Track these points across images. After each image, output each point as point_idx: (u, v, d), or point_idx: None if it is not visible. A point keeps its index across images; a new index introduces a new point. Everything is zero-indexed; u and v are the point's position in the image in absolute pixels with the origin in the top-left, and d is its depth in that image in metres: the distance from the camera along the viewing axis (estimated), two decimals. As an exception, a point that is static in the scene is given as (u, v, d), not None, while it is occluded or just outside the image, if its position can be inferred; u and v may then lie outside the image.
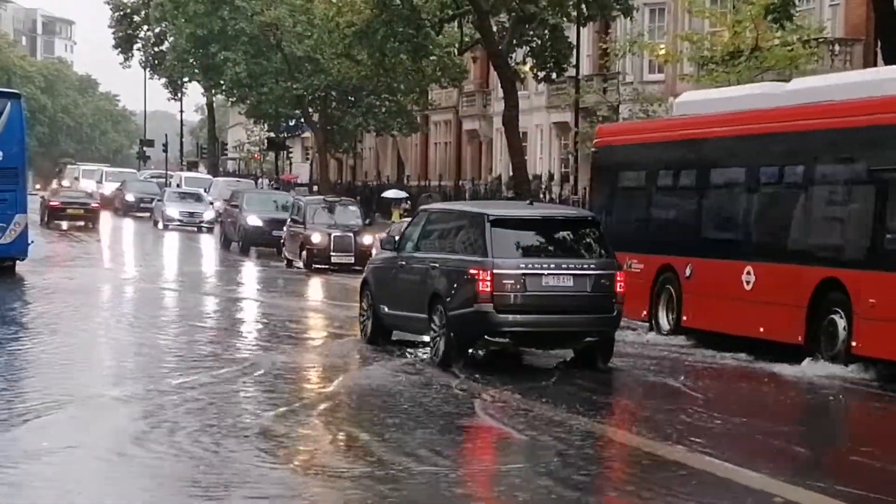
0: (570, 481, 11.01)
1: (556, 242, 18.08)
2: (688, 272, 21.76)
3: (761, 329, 19.77)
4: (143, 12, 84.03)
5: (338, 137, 68.32)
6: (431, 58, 51.25)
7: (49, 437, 12.19)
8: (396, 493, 10.38)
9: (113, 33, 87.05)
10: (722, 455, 12.27)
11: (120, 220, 64.11)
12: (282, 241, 39.74)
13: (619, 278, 17.82)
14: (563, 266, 17.59)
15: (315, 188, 67.38)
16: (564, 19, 43.00)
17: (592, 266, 17.74)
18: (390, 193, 27.56)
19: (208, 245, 49.15)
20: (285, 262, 38.83)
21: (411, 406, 14.76)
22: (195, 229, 55.66)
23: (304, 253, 36.89)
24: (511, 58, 44.66)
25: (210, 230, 55.08)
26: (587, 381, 17.13)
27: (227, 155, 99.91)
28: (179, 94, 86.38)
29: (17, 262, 31.09)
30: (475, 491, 10.92)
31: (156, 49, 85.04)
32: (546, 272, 17.44)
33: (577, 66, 41.68)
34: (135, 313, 24.97)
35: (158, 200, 59.30)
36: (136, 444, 11.93)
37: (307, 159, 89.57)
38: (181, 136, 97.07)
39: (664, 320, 22.44)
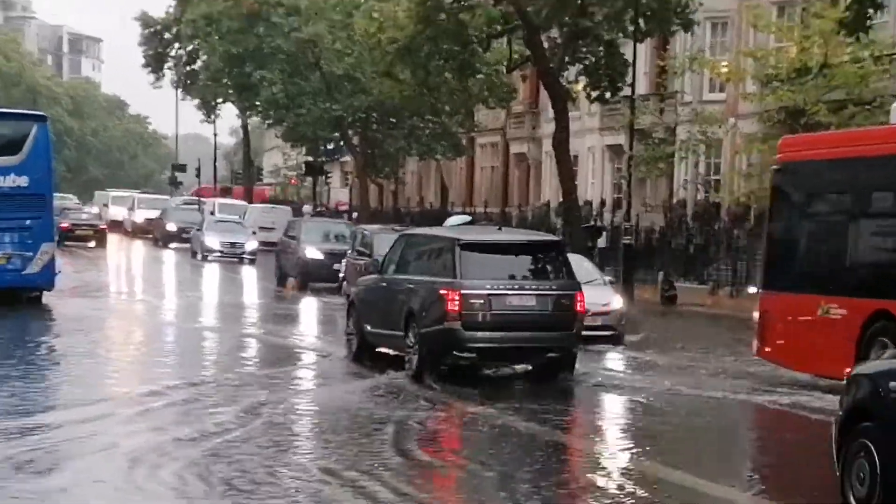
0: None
1: (521, 265, 20.46)
2: None
3: None
4: (174, 29, 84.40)
5: (379, 161, 68.30)
6: (478, 76, 51.17)
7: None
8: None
9: (143, 52, 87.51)
10: None
11: (158, 251, 63.90)
12: (341, 275, 37.35)
13: (578, 298, 20.02)
14: (527, 287, 19.96)
15: (354, 215, 67.32)
16: (620, 35, 42.72)
17: (554, 287, 20.01)
18: (454, 220, 26.58)
19: (253, 277, 48.24)
20: (346, 297, 36.71)
21: (380, 418, 16.51)
22: (236, 260, 55.40)
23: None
24: (563, 76, 44.47)
25: (252, 262, 54.76)
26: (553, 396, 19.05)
27: (262, 180, 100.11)
28: (213, 116, 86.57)
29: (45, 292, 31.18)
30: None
31: (188, 68, 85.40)
32: (510, 292, 19.73)
33: (632, 85, 41.32)
34: (171, 355, 24.65)
35: (197, 230, 59.05)
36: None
37: (346, 184, 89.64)
38: (215, 161, 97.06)
39: None
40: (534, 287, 19.86)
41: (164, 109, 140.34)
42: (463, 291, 19.40)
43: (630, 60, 42.20)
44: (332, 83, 62.67)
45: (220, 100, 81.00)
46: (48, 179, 30.81)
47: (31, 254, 30.09)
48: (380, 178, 74.08)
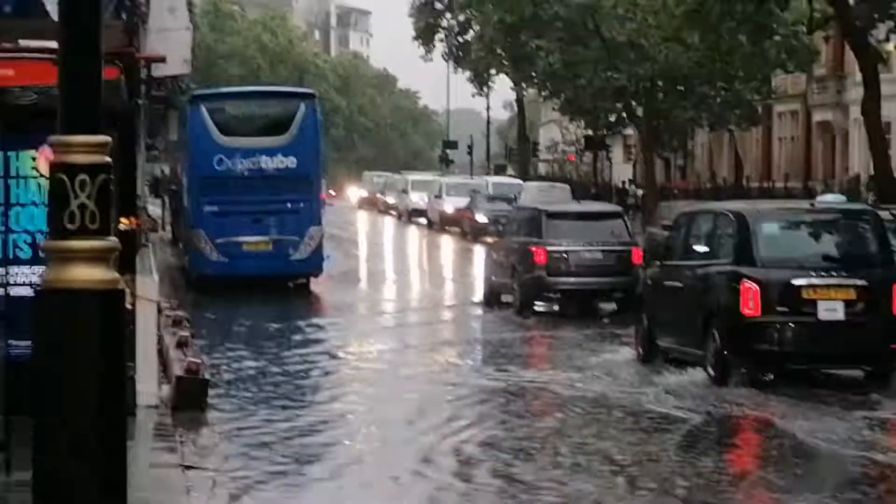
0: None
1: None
2: None
3: None
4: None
5: (665, 134, 67.40)
6: (775, 38, 49.84)
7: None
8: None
9: (413, 23, 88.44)
10: None
11: (467, 243, 55.46)
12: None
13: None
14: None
15: (639, 192, 66.41)
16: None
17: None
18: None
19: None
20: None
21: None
22: None
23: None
24: (871, 35, 42.90)
25: None
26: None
27: (538, 157, 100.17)
28: (485, 89, 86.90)
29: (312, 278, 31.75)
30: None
31: (460, 39, 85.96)
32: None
33: (954, 43, 39.79)
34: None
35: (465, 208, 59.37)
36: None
37: (630, 160, 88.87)
38: (487, 136, 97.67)
39: None
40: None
41: (435, 83, 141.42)
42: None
43: (950, 15, 40.60)
44: (614, 51, 61.91)
45: (493, 71, 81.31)
46: (316, 160, 31.24)
47: (297, 238, 30.53)
48: (666, 153, 73.16)
